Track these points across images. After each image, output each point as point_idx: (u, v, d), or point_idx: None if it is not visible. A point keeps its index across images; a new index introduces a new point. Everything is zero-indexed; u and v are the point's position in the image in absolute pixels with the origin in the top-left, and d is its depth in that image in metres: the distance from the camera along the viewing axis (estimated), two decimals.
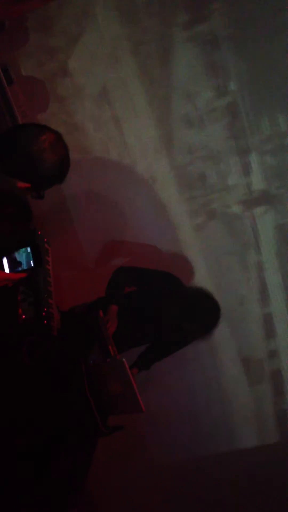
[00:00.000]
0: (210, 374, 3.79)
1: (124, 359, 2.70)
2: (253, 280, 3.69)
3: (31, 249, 2.10)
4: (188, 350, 3.25)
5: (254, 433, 3.79)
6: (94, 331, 2.84)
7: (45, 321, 2.28)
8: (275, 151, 3.57)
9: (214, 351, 3.76)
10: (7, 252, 2.07)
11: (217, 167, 3.68)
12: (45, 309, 2.28)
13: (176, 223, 3.78)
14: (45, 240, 2.19)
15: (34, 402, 2.52)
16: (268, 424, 3.77)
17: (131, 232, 3.82)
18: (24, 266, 2.10)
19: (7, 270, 2.07)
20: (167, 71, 3.67)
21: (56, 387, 2.62)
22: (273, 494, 3.66)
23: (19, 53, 3.84)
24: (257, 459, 3.74)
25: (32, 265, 2.11)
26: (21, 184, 2.03)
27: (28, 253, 2.11)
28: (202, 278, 3.69)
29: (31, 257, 2.11)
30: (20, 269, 2.10)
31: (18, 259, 2.10)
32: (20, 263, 2.11)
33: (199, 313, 3.05)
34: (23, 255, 2.11)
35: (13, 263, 2.10)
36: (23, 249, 2.09)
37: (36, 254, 2.12)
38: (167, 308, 3.05)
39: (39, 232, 2.18)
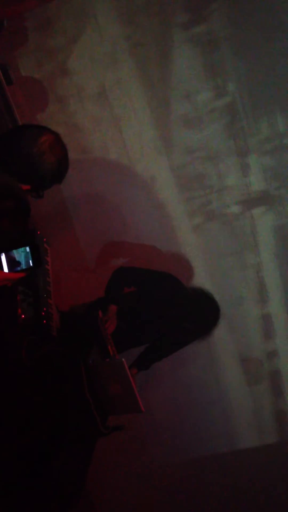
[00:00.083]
0: (209, 374, 3.80)
1: (123, 359, 2.70)
2: (252, 280, 3.69)
3: (30, 249, 2.09)
4: (187, 350, 3.25)
5: (253, 433, 3.80)
6: (94, 331, 2.84)
7: (45, 321, 2.28)
8: (274, 152, 3.57)
9: (213, 351, 3.76)
10: (7, 248, 2.07)
11: (216, 168, 3.68)
12: (45, 309, 2.28)
13: (175, 223, 3.78)
14: (45, 240, 2.18)
15: (34, 402, 2.51)
16: (267, 424, 3.77)
17: (130, 232, 3.82)
18: (23, 266, 2.09)
19: (6, 270, 2.06)
20: (166, 71, 3.67)
21: (56, 387, 2.62)
22: (273, 494, 3.67)
23: (18, 53, 3.84)
24: (257, 459, 3.75)
25: (31, 265, 2.10)
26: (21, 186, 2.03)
27: (27, 253, 2.10)
28: (201, 278, 3.69)
29: (30, 257, 2.10)
30: (19, 269, 2.09)
31: (17, 259, 2.10)
32: (19, 263, 2.10)
33: (198, 313, 3.06)
34: (22, 255, 2.10)
35: (12, 263, 2.09)
36: (22, 249, 2.08)
37: (35, 254, 2.11)
38: (166, 308, 3.05)
39: (39, 232, 2.17)
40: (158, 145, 3.76)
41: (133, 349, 3.15)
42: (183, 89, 3.67)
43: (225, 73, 3.59)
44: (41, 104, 3.84)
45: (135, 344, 3.17)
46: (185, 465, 3.81)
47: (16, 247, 2.08)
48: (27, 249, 2.07)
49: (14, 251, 2.08)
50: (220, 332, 3.43)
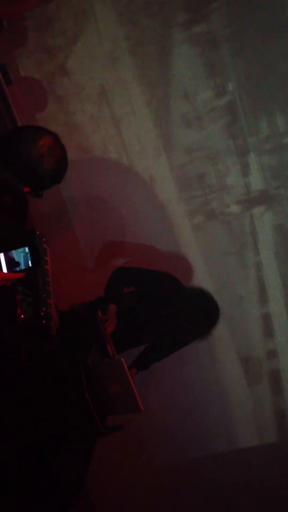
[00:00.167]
0: (209, 373, 3.80)
1: (122, 359, 2.70)
2: (252, 280, 3.69)
3: (29, 249, 2.09)
4: (187, 350, 3.25)
5: (253, 432, 3.80)
6: (93, 330, 2.84)
7: (44, 321, 2.27)
8: (273, 151, 3.57)
9: (213, 350, 3.76)
10: (6, 248, 2.07)
11: (216, 167, 3.68)
12: (44, 309, 2.27)
13: (175, 223, 3.78)
14: (44, 239, 2.18)
15: (33, 402, 2.51)
16: (267, 424, 3.77)
17: (130, 232, 3.82)
18: (22, 266, 2.09)
19: (5, 270, 2.06)
20: (166, 71, 3.67)
21: (55, 387, 2.62)
22: (273, 494, 3.67)
23: (18, 53, 3.84)
24: (257, 459, 3.75)
25: (30, 265, 2.10)
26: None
27: (26, 253, 2.10)
28: (201, 278, 3.69)
29: (29, 257, 2.10)
30: (18, 269, 2.09)
31: (16, 259, 2.10)
32: (18, 263, 2.10)
33: (198, 313, 3.06)
34: (22, 255, 2.10)
35: (11, 263, 2.09)
36: (21, 249, 2.08)
37: (35, 254, 2.11)
38: (166, 308, 3.05)
39: (38, 232, 2.17)
40: (158, 144, 3.76)
41: (132, 349, 3.15)
42: (182, 89, 3.67)
43: (224, 72, 3.59)
44: (41, 104, 3.84)
45: (134, 344, 3.17)
46: (184, 465, 3.81)
47: (15, 248, 2.08)
48: (26, 249, 2.08)
49: (13, 251, 2.08)
50: (220, 332, 3.43)
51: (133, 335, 3.10)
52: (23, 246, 2.08)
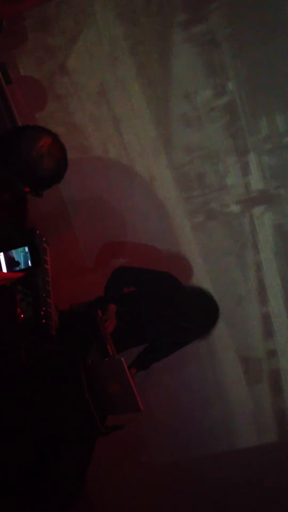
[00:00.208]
0: (208, 373, 3.80)
1: (122, 359, 2.70)
2: (252, 279, 3.69)
3: (29, 249, 2.10)
4: (186, 350, 3.25)
5: (253, 432, 3.80)
6: (93, 330, 2.84)
7: (44, 320, 2.28)
8: (273, 151, 3.57)
9: (213, 350, 3.76)
10: (6, 248, 2.08)
11: (216, 167, 3.68)
12: (44, 308, 2.28)
13: (175, 222, 3.78)
14: (44, 239, 2.19)
15: (33, 402, 2.51)
16: (267, 423, 3.77)
17: (129, 231, 3.82)
18: (22, 266, 2.10)
19: (4, 269, 2.07)
20: (165, 70, 3.67)
21: (55, 386, 2.62)
22: (273, 493, 3.67)
23: (18, 52, 3.84)
24: (256, 458, 3.75)
25: (30, 264, 2.11)
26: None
27: (26, 253, 2.11)
28: (201, 278, 3.69)
29: (29, 257, 2.11)
30: (18, 268, 2.10)
31: (16, 258, 2.10)
32: (18, 263, 2.11)
33: (198, 313, 3.06)
34: (21, 254, 2.11)
35: (11, 263, 2.10)
36: (21, 249, 2.09)
37: (34, 254, 2.12)
38: (165, 308, 3.05)
39: (38, 231, 2.18)
40: (158, 144, 3.76)
41: (132, 349, 3.15)
42: (182, 89, 3.67)
43: (224, 72, 3.59)
44: (40, 104, 3.84)
45: (134, 344, 3.17)
46: (184, 465, 3.81)
47: (15, 247, 2.09)
48: (26, 249, 2.09)
49: (13, 251, 2.09)
50: (220, 332, 3.43)
51: (133, 335, 3.10)
52: (23, 245, 2.09)
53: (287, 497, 3.65)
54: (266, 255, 3.67)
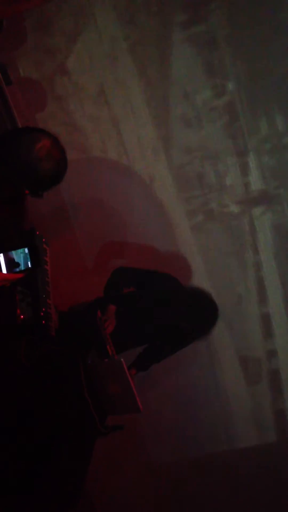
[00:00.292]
0: (208, 373, 3.80)
1: (122, 359, 2.70)
2: (251, 279, 3.69)
3: (29, 250, 2.10)
4: (186, 350, 3.24)
5: (252, 432, 3.80)
6: (93, 331, 2.84)
7: (43, 321, 2.28)
8: (273, 151, 3.57)
9: (212, 350, 3.76)
10: (6, 242, 2.08)
11: (215, 167, 3.68)
12: (43, 309, 2.28)
13: (174, 222, 3.78)
14: (44, 240, 2.19)
15: (32, 402, 2.52)
16: (267, 423, 3.77)
17: (129, 231, 3.82)
18: (22, 267, 2.10)
19: (4, 270, 2.07)
20: (165, 71, 3.67)
21: (55, 387, 2.62)
22: (272, 493, 3.67)
23: (17, 53, 3.84)
24: (256, 458, 3.75)
25: (30, 265, 2.11)
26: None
27: (26, 253, 2.11)
28: (200, 278, 3.69)
29: (29, 258, 2.11)
30: (18, 269, 2.10)
31: (16, 259, 2.11)
32: (18, 264, 2.11)
33: (197, 313, 3.05)
34: (21, 255, 2.11)
35: (11, 264, 2.10)
36: (21, 250, 2.10)
37: (34, 255, 2.12)
38: (165, 308, 3.05)
39: (38, 232, 2.18)
40: (157, 144, 3.76)
41: (132, 350, 3.15)
42: (182, 89, 3.67)
43: (224, 72, 3.59)
44: (40, 104, 3.84)
45: (134, 345, 3.17)
46: (184, 465, 3.81)
47: (15, 248, 2.09)
48: (26, 250, 2.09)
49: (13, 252, 2.09)
50: (219, 332, 3.43)
51: (133, 335, 3.10)
52: (23, 247, 2.09)
53: (287, 497, 3.65)
54: (265, 255, 3.67)
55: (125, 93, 3.76)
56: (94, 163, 3.84)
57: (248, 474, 3.72)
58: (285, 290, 3.66)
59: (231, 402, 3.80)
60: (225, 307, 3.33)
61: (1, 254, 2.09)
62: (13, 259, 2.10)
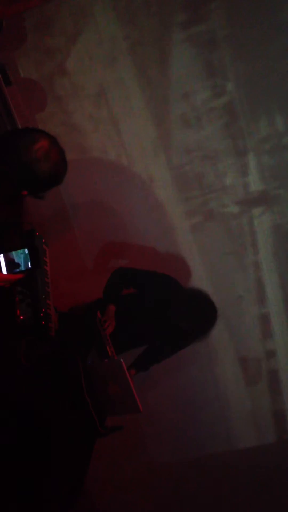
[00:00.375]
0: (207, 374, 3.80)
1: (122, 360, 2.71)
2: (251, 280, 3.69)
3: (29, 250, 2.11)
4: (185, 350, 3.25)
5: (252, 432, 3.81)
6: (92, 331, 2.84)
7: (43, 322, 2.28)
8: (272, 152, 3.58)
9: (212, 351, 3.77)
10: (6, 242, 2.09)
11: (215, 167, 3.68)
12: (43, 309, 2.28)
13: (174, 223, 3.78)
14: (43, 240, 2.19)
15: (32, 403, 2.52)
16: (266, 423, 3.78)
17: (129, 232, 3.82)
18: (22, 267, 2.11)
19: (4, 271, 2.08)
20: (165, 71, 3.67)
21: (54, 387, 2.62)
22: (272, 493, 3.67)
23: (17, 54, 3.84)
24: (256, 458, 3.75)
25: (30, 266, 2.11)
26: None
27: (26, 254, 2.11)
28: (200, 278, 3.70)
29: (29, 258, 2.12)
30: (18, 270, 2.10)
31: (16, 260, 2.11)
32: (18, 265, 2.12)
33: (196, 314, 3.06)
34: (21, 256, 2.12)
35: (11, 265, 2.11)
36: (21, 251, 2.10)
37: (34, 255, 2.13)
38: (164, 309, 3.05)
39: (37, 233, 2.18)
40: (157, 144, 3.76)
41: (132, 350, 3.16)
42: (181, 89, 3.67)
43: (223, 72, 3.59)
44: (40, 105, 3.84)
45: (134, 345, 3.17)
46: (184, 465, 3.82)
47: (15, 249, 2.10)
48: (26, 251, 2.09)
49: (13, 253, 2.10)
50: (219, 332, 3.43)
51: (132, 336, 3.10)
52: (23, 247, 2.10)
53: (287, 497, 3.66)
54: (265, 255, 3.67)
55: (124, 93, 3.76)
56: (94, 164, 3.84)
57: (248, 474, 3.72)
58: (284, 290, 3.66)
59: (231, 402, 3.80)
60: (224, 307, 3.33)
61: (1, 255, 2.10)
62: (13, 260, 2.10)
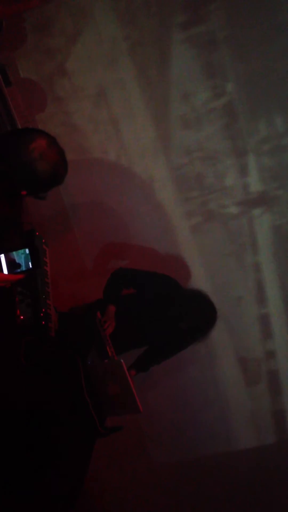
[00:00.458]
0: (207, 374, 3.80)
1: (122, 360, 2.71)
2: (251, 280, 3.70)
3: (29, 250, 2.11)
4: (185, 351, 3.25)
5: (252, 432, 3.81)
6: (92, 332, 2.85)
7: (43, 322, 2.28)
8: (272, 152, 3.58)
9: (212, 351, 3.77)
10: (7, 243, 2.09)
11: (215, 168, 3.68)
12: (43, 310, 2.28)
13: (174, 223, 3.78)
14: (43, 240, 2.19)
15: (32, 403, 2.52)
16: (266, 424, 3.78)
17: (129, 232, 3.83)
18: (23, 268, 2.11)
19: (5, 271, 2.08)
20: (164, 71, 3.68)
21: (54, 387, 2.62)
22: (272, 493, 3.68)
23: (17, 54, 3.84)
24: (255, 459, 3.76)
25: (31, 266, 2.12)
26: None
27: (27, 254, 2.12)
28: (200, 279, 3.70)
29: (30, 259, 2.12)
30: (19, 270, 2.11)
31: (17, 260, 2.11)
32: (19, 265, 2.12)
33: (196, 314, 3.06)
34: (22, 256, 2.12)
35: (11, 265, 2.11)
36: (22, 251, 2.10)
37: (34, 256, 2.13)
38: (164, 310, 3.05)
39: (37, 233, 2.19)
40: (157, 145, 3.77)
41: (132, 350, 3.16)
42: (181, 90, 3.67)
43: (223, 73, 3.59)
44: (40, 105, 3.84)
45: (134, 346, 3.17)
46: (184, 465, 3.82)
47: (16, 249, 2.10)
48: (27, 251, 2.09)
49: (14, 253, 2.10)
50: (219, 333, 3.43)
51: (132, 336, 3.11)
52: (24, 247, 2.10)
53: (287, 497, 3.66)
54: (265, 255, 3.67)
55: (124, 94, 3.76)
56: (94, 164, 3.84)
57: (248, 474, 3.73)
58: (284, 291, 3.67)
59: (231, 403, 3.80)
60: (224, 308, 3.33)
61: (2, 255, 2.10)
62: (14, 260, 2.10)
